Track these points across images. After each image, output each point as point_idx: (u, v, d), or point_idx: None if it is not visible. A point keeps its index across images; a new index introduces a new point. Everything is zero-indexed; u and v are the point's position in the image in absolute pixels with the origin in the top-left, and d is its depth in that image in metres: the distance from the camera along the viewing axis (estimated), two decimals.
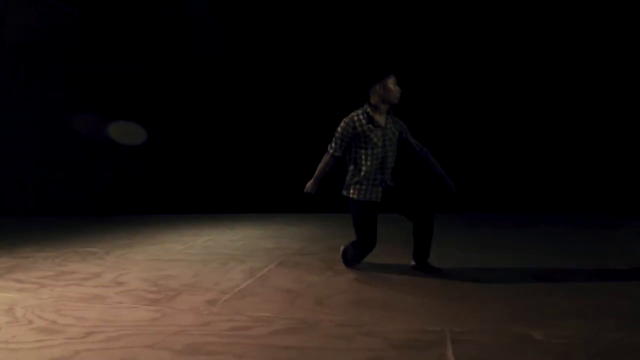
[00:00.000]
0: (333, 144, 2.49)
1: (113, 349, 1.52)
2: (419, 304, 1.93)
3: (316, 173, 2.56)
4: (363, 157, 2.42)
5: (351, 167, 2.51)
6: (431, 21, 5.59)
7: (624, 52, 5.21)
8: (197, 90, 6.31)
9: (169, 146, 6.49)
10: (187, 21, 6.25)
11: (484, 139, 5.57)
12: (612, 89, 5.28)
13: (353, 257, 2.59)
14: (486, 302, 1.94)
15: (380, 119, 2.44)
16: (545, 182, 5.42)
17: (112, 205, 6.57)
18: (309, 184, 2.58)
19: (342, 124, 2.46)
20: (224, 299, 2.08)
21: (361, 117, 2.42)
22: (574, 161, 5.35)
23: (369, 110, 2.44)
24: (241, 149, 6.14)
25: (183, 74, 6.38)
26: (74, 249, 3.57)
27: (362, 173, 2.43)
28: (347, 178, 2.53)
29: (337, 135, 2.47)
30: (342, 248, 2.66)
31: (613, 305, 1.85)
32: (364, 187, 2.43)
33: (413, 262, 2.50)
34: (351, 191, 2.47)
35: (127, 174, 6.60)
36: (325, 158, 2.53)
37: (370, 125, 2.41)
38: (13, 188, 7.03)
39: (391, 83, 2.39)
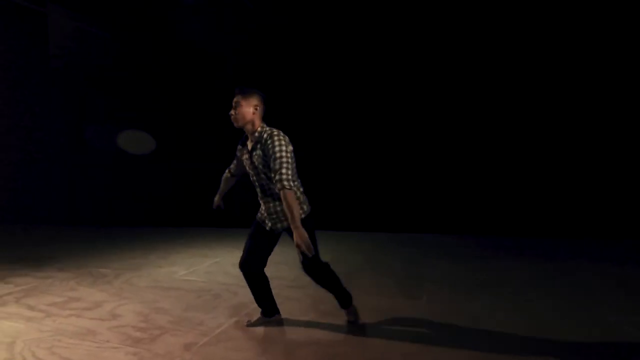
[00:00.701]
0: None
1: None
2: None
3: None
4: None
5: None
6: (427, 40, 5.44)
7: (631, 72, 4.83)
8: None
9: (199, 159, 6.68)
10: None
11: (493, 163, 5.36)
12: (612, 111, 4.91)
13: None
14: None
15: (249, 143, 2.19)
16: (563, 206, 5.12)
17: (161, 217, 6.84)
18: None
19: None
20: (201, 343, 2.16)
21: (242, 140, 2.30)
22: (588, 184, 5.03)
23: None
24: None
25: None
26: (90, 269, 3.83)
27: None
28: None
29: None
30: None
31: None
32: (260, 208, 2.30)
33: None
34: None
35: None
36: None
37: (240, 147, 2.29)
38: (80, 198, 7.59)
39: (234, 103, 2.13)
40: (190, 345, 2.14)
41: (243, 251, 2.31)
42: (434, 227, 5.47)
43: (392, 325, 2.38)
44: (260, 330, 2.33)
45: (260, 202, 2.23)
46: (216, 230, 6.05)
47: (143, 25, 6.92)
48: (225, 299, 2.90)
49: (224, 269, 3.76)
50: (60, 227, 6.93)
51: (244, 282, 3.25)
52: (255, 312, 2.53)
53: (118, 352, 2.08)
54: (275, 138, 2.04)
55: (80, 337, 2.28)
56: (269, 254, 2.35)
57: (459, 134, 5.43)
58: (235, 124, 2.13)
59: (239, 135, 2.30)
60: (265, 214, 2.22)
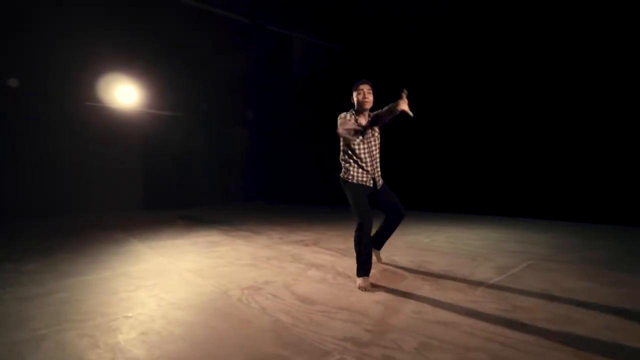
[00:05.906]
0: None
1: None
2: None
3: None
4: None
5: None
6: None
7: None
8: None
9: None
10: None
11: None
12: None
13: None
14: None
15: (364, 121, 2.71)
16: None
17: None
18: None
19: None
20: (482, 287, 2.50)
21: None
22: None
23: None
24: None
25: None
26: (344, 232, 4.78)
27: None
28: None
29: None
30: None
31: None
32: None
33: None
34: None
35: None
36: None
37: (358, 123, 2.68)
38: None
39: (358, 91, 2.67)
40: (475, 286, 2.51)
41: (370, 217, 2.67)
42: None
43: None
44: (537, 286, 2.50)
45: (367, 169, 2.69)
46: (443, 214, 6.41)
47: (368, 38, 7.84)
48: (481, 262, 3.18)
49: (464, 242, 4.05)
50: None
51: (494, 252, 3.43)
52: (524, 277, 2.69)
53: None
54: None
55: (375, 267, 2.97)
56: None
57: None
58: (367, 106, 2.66)
59: None
60: (371, 175, 2.71)
